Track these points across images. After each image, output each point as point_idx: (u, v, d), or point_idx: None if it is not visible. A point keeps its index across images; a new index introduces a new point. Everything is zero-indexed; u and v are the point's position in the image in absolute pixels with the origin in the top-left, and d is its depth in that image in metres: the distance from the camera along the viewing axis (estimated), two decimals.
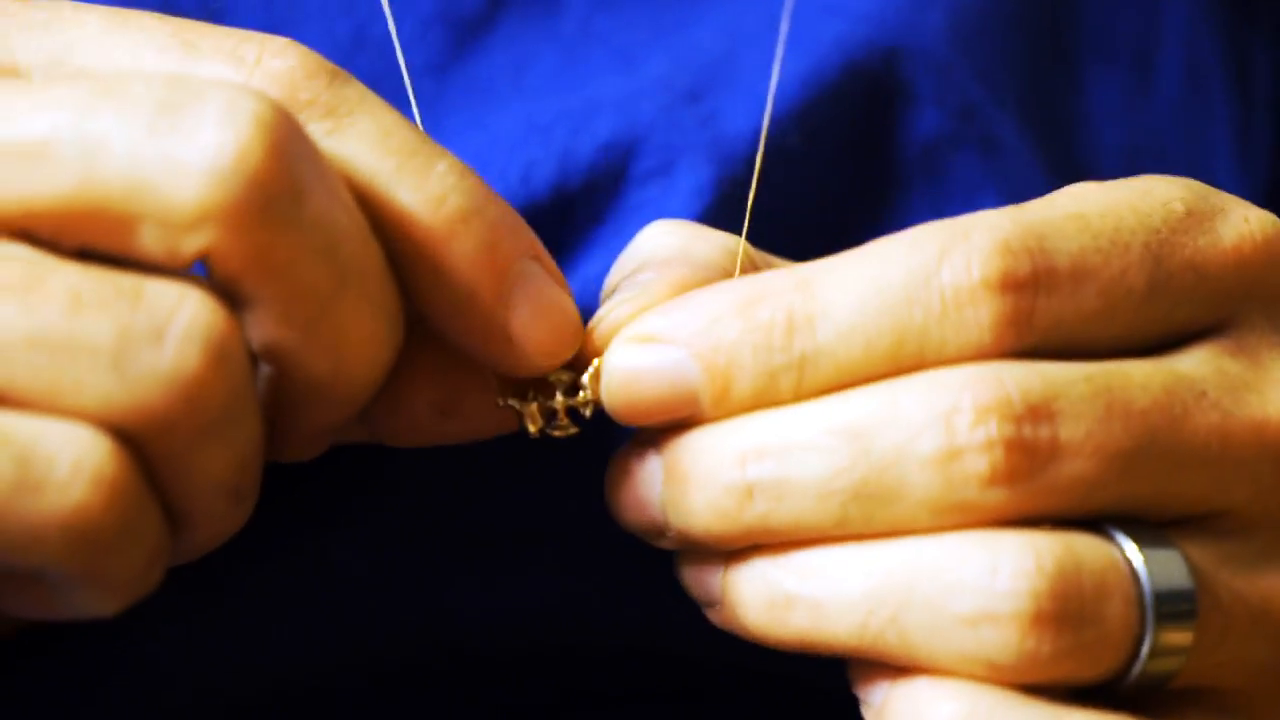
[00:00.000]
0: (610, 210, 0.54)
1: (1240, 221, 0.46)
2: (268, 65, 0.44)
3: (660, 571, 0.48)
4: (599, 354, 0.46)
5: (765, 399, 0.44)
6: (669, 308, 0.45)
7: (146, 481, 0.41)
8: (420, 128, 0.45)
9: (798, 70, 0.56)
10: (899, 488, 0.42)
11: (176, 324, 0.40)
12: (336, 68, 0.44)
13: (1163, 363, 0.45)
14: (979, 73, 0.59)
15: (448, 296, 0.44)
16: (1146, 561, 0.43)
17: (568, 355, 0.46)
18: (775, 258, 0.49)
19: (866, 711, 0.45)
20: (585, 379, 0.47)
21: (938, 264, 0.43)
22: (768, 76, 0.56)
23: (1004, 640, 0.42)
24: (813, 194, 0.56)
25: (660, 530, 0.46)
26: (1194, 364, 0.45)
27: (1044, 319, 0.43)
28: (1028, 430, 0.42)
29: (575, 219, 0.54)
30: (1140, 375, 0.44)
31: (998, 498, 0.42)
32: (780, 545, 0.44)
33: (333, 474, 0.50)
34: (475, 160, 0.54)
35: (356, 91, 0.44)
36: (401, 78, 0.56)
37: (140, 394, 0.40)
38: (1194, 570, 0.44)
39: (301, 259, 0.42)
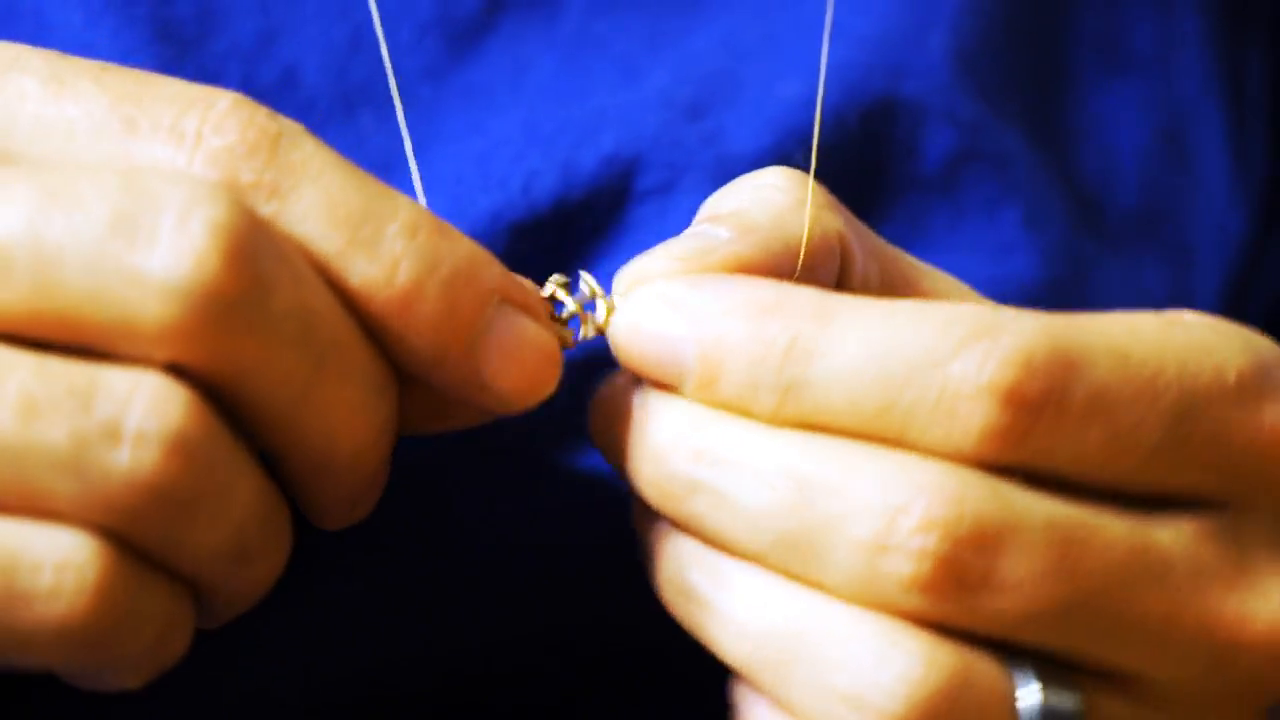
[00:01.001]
0: (611, 225, 0.54)
1: None
2: (209, 144, 0.42)
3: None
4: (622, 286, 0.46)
5: (743, 406, 0.44)
6: (699, 283, 0.44)
7: (140, 565, 0.41)
8: (373, 179, 0.44)
9: (800, 91, 0.55)
10: (825, 552, 0.42)
11: (130, 422, 0.40)
12: (280, 128, 0.43)
13: (1139, 527, 0.43)
14: (984, 89, 0.58)
15: (417, 359, 0.44)
16: (1042, 703, 0.42)
17: (549, 389, 0.45)
18: (865, 229, 0.49)
19: (731, 714, 0.45)
20: (599, 307, 0.47)
21: (954, 352, 0.42)
22: (768, 95, 0.56)
23: None
24: None
25: (617, 467, 0.46)
26: (1173, 538, 0.44)
27: (1037, 444, 0.42)
28: (966, 555, 0.42)
29: (576, 232, 0.53)
30: (1108, 535, 0.43)
31: (914, 602, 0.42)
32: (706, 540, 0.44)
33: None
34: (475, 166, 0.54)
35: (301, 156, 0.43)
36: (399, 82, 0.55)
37: (106, 494, 0.40)
38: None
39: (275, 352, 0.41)
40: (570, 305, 0.47)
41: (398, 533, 0.51)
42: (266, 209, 0.42)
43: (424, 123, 0.55)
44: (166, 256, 0.40)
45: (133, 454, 0.40)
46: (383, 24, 0.55)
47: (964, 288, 0.50)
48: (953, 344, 0.42)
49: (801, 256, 0.46)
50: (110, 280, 0.40)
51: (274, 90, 0.54)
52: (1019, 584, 0.42)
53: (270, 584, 0.44)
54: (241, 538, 0.42)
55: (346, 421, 0.43)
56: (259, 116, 0.43)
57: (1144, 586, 0.43)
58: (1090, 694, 0.43)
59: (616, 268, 0.49)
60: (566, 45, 0.56)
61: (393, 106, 0.55)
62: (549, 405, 0.48)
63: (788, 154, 0.54)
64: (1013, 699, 0.42)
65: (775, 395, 0.43)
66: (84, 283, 0.40)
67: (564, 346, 0.47)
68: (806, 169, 0.52)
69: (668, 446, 0.44)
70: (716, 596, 0.44)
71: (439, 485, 0.51)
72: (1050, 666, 0.43)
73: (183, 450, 0.40)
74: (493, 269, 0.44)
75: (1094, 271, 0.60)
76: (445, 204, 0.53)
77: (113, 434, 0.40)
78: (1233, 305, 0.65)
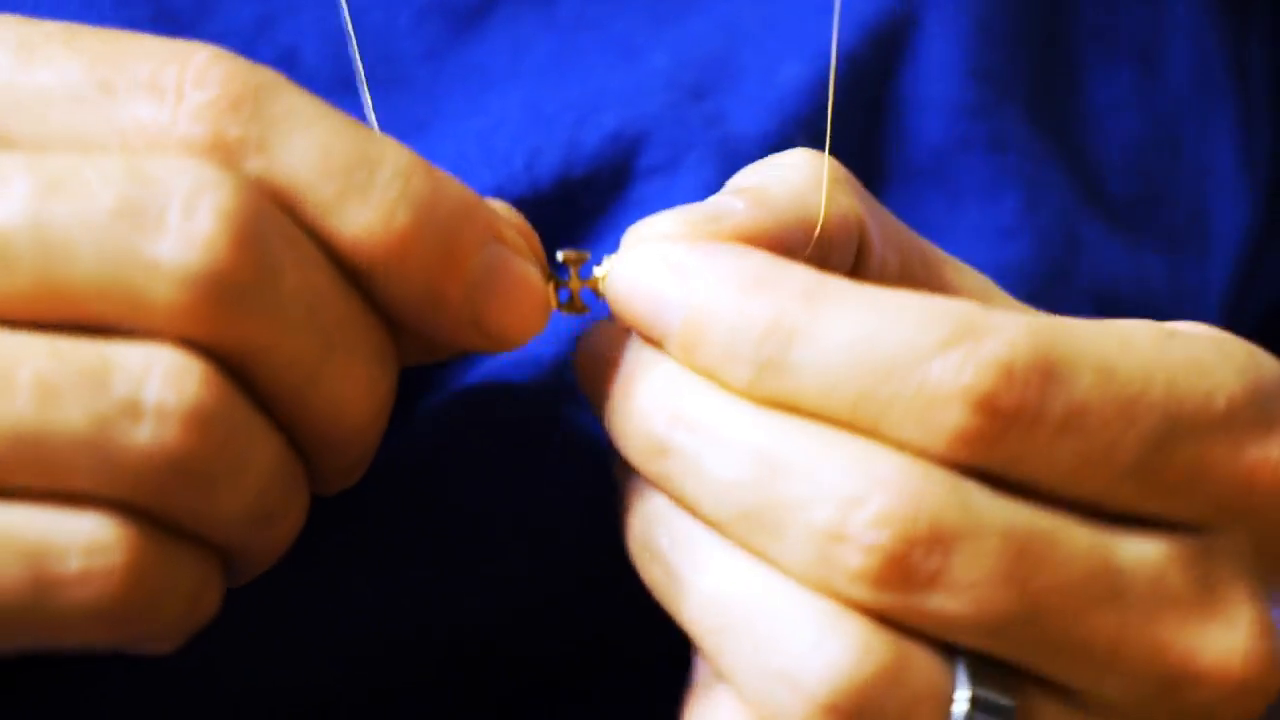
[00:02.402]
0: (614, 202, 0.54)
1: (1277, 445, 0.44)
2: (191, 99, 0.42)
3: None
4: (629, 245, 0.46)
5: (718, 376, 0.43)
6: (698, 248, 0.44)
7: (166, 539, 0.41)
8: (360, 125, 0.43)
9: (802, 74, 0.55)
10: (782, 532, 0.42)
11: (148, 397, 0.40)
12: (262, 78, 0.43)
13: (1102, 543, 0.43)
14: (985, 71, 0.58)
15: (413, 305, 0.44)
16: (975, 703, 0.42)
17: (540, 328, 0.46)
18: (884, 211, 0.49)
19: (693, 675, 0.45)
20: (599, 271, 0.47)
21: (936, 351, 0.42)
22: (769, 78, 0.56)
23: (793, 713, 0.42)
24: None
25: (597, 412, 0.46)
26: (1136, 558, 0.43)
27: (1006, 452, 0.42)
28: (917, 554, 0.41)
29: (578, 209, 0.53)
30: (1067, 549, 0.42)
31: (859, 592, 0.42)
32: (675, 501, 0.44)
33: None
34: (477, 144, 0.54)
35: (285, 106, 0.42)
36: (398, 65, 0.55)
37: (128, 470, 0.40)
38: None
39: (284, 335, 0.41)
40: (576, 280, 0.47)
41: (396, 515, 0.51)
42: (256, 163, 0.42)
43: (424, 103, 0.55)
44: (175, 243, 0.40)
45: (153, 428, 0.40)
46: (382, 8, 0.55)
47: (984, 279, 0.50)
48: (935, 342, 0.42)
49: (816, 234, 0.46)
50: (118, 268, 0.40)
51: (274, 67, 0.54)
52: (966, 588, 0.41)
53: (293, 538, 0.44)
54: (264, 500, 0.42)
55: (354, 397, 0.43)
56: (239, 68, 0.42)
57: (1096, 605, 0.42)
58: (1028, 697, 0.43)
59: (618, 244, 0.48)
60: (566, 27, 0.56)
61: (393, 90, 0.55)
62: (544, 385, 0.48)
63: (790, 137, 0.54)
64: (948, 696, 0.42)
65: (751, 370, 0.43)
66: (92, 271, 0.40)
67: (575, 312, 0.47)
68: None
69: (648, 406, 0.44)
70: (678, 559, 0.44)
71: (435, 466, 0.51)
72: (989, 666, 0.42)
73: (202, 421, 0.40)
74: (485, 210, 0.44)
75: (1094, 256, 0.59)
76: None
77: (132, 410, 0.40)
78: (1239, 294, 0.65)
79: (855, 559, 0.41)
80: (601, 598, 0.52)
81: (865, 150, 0.57)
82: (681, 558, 0.44)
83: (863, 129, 0.57)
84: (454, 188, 0.44)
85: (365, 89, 0.51)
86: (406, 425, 0.51)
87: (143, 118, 0.42)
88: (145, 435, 0.40)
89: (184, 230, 0.40)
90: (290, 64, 0.54)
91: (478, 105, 0.55)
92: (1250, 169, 0.65)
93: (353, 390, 0.43)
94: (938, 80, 0.58)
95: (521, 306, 0.45)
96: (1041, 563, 0.42)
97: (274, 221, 0.41)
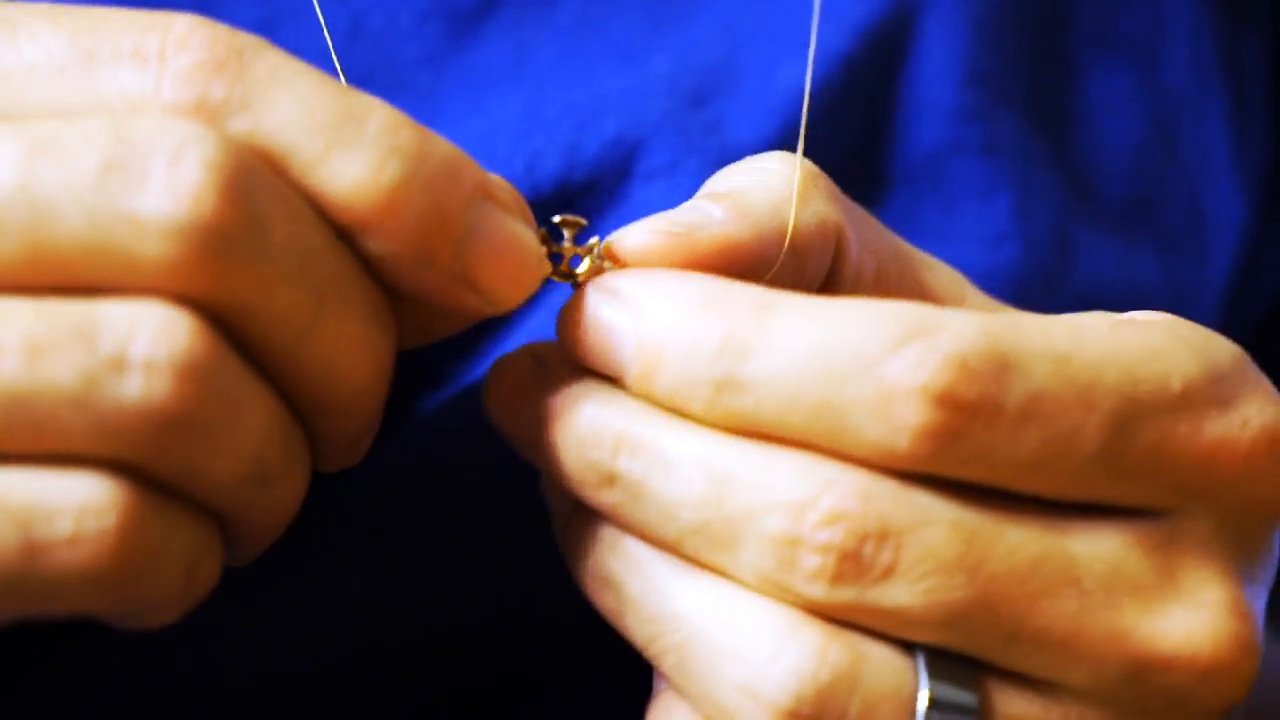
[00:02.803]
0: (613, 206, 0.54)
1: (1236, 423, 0.44)
2: (174, 63, 0.42)
3: None
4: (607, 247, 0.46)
5: (676, 404, 0.43)
6: (645, 277, 0.44)
7: (161, 501, 0.41)
8: (343, 84, 0.43)
9: (801, 79, 0.55)
10: (735, 545, 0.42)
11: (137, 350, 0.40)
12: (244, 41, 0.42)
13: (1054, 534, 0.43)
14: (980, 76, 0.58)
15: (404, 260, 0.43)
16: (935, 698, 0.42)
17: (534, 285, 0.45)
18: (865, 214, 0.49)
19: (655, 684, 0.46)
20: (582, 269, 0.46)
21: (890, 352, 0.42)
22: (768, 82, 0.56)
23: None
24: None
25: (525, 447, 0.45)
26: (1090, 547, 0.43)
27: (970, 447, 0.42)
28: (868, 549, 0.42)
29: (578, 212, 0.53)
30: (1016, 539, 0.42)
31: (818, 593, 0.42)
32: (621, 527, 0.44)
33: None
34: (478, 146, 0.54)
35: (269, 66, 0.42)
36: (398, 68, 0.55)
37: (120, 426, 0.40)
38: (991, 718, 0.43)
39: (276, 288, 0.41)
40: (567, 240, 0.47)
41: (395, 515, 0.51)
42: (243, 122, 0.42)
43: (424, 106, 0.55)
44: (163, 195, 0.40)
45: (143, 381, 0.40)
46: (383, 11, 0.55)
47: (964, 281, 0.50)
48: (889, 344, 0.42)
49: (787, 243, 0.46)
50: (107, 224, 0.40)
51: None
52: (918, 579, 0.42)
53: (294, 508, 0.44)
54: (261, 459, 0.42)
55: (350, 355, 0.43)
56: (220, 31, 0.42)
57: (1050, 593, 0.42)
58: (991, 690, 0.43)
59: None
60: (566, 30, 0.57)
61: (394, 93, 0.55)
62: None
63: (788, 144, 0.54)
64: (910, 694, 0.42)
65: (710, 390, 0.43)
66: (80, 230, 0.40)
67: (568, 280, 0.47)
68: (807, 160, 0.53)
69: (590, 436, 0.44)
70: (630, 583, 0.44)
71: (433, 466, 0.51)
72: (949, 661, 0.43)
73: (192, 373, 0.40)
74: (474, 168, 0.44)
75: (1087, 259, 0.59)
76: None
77: (121, 364, 0.40)
78: (1236, 294, 0.65)
79: (810, 560, 0.42)
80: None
81: (862, 153, 0.57)
82: (634, 581, 0.44)
83: (859, 132, 0.57)
84: (442, 144, 0.43)
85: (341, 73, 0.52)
86: (404, 425, 0.51)
87: (127, 85, 0.42)
88: (134, 389, 0.40)
89: (170, 183, 0.40)
90: None
91: (478, 108, 0.55)
92: (1244, 165, 0.65)
93: (348, 348, 0.43)
94: (935, 84, 0.58)
95: (514, 262, 0.44)
96: (990, 552, 0.42)
97: (261, 175, 0.41)
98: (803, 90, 0.55)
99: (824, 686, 0.42)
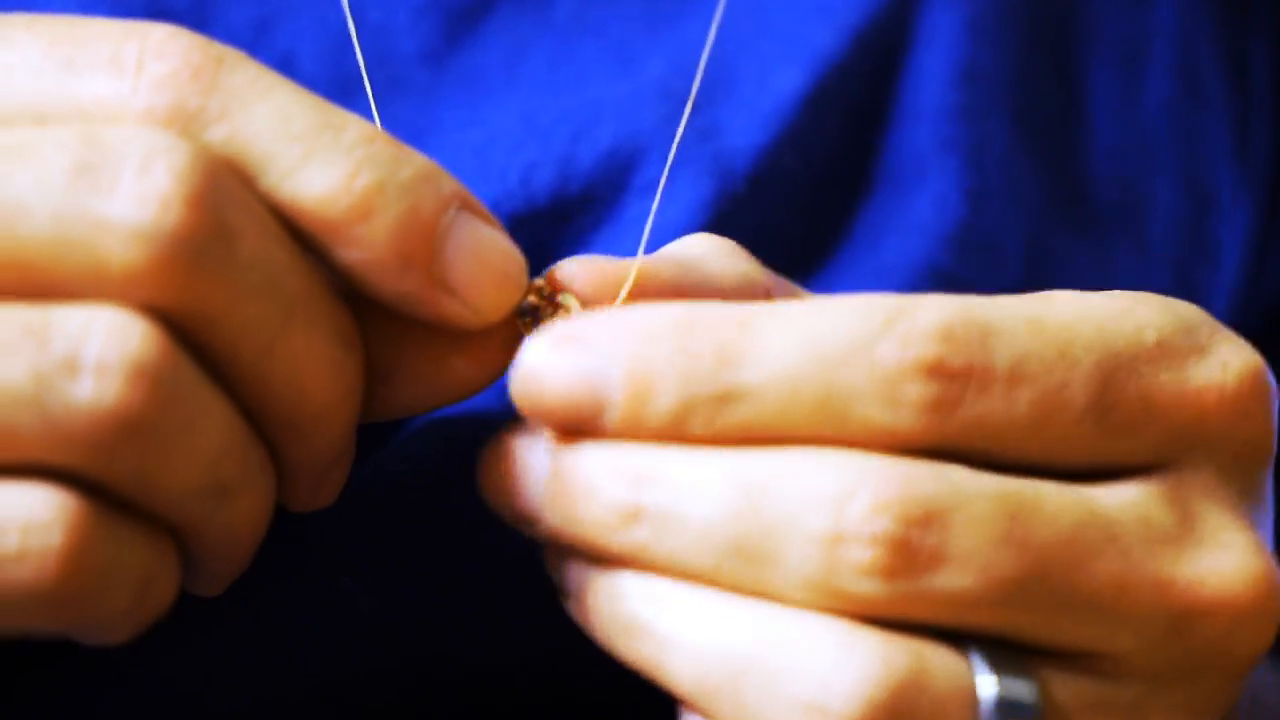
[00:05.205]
0: (608, 219, 0.54)
1: (1216, 367, 0.44)
2: (151, 71, 0.42)
3: None
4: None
5: (677, 429, 0.43)
6: (603, 315, 0.44)
7: (112, 516, 0.40)
8: (319, 98, 0.43)
9: (797, 84, 0.55)
10: (778, 554, 0.42)
11: (89, 352, 0.39)
12: (222, 51, 0.42)
13: (1082, 495, 0.43)
14: (972, 80, 0.58)
15: (381, 270, 0.43)
16: (999, 692, 0.42)
17: (516, 296, 0.45)
18: (790, 284, 0.49)
19: None
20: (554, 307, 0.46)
21: (878, 336, 0.42)
22: (764, 87, 0.56)
23: None
24: (807, 212, 0.55)
25: (531, 521, 0.45)
26: (1116, 503, 0.43)
27: (970, 414, 0.42)
28: (916, 534, 0.41)
29: (572, 225, 0.53)
30: (1053, 505, 0.42)
31: (871, 590, 0.41)
32: (648, 570, 0.43)
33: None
34: (474, 158, 0.53)
35: (246, 77, 0.42)
36: (395, 66, 0.55)
37: (71, 430, 0.39)
38: (1048, 705, 0.43)
39: (241, 301, 0.41)
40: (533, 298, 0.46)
41: (389, 531, 0.51)
42: (217, 131, 0.42)
43: (421, 111, 0.55)
44: (130, 202, 0.40)
45: (95, 384, 0.39)
46: (380, 7, 0.55)
47: None
48: (874, 328, 0.42)
49: (628, 287, 0.46)
50: (74, 229, 0.40)
51: None
52: (970, 557, 0.41)
53: (256, 531, 0.43)
54: (217, 471, 0.41)
55: (314, 372, 0.42)
56: (198, 41, 0.42)
57: (1095, 553, 0.42)
58: (1047, 676, 0.43)
59: None
60: (563, 30, 0.56)
61: (390, 91, 0.55)
62: None
63: (781, 152, 0.54)
64: (972, 688, 0.42)
65: (712, 407, 0.42)
66: (47, 233, 0.40)
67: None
68: (799, 171, 0.52)
69: (603, 479, 0.43)
70: (662, 624, 0.43)
71: (427, 482, 0.51)
72: (1004, 652, 0.42)
73: (145, 378, 0.39)
74: (449, 177, 0.44)
75: (1064, 266, 0.59)
76: None
77: (72, 366, 0.39)
78: (1245, 299, 0.65)
79: (860, 554, 0.41)
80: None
81: (852, 156, 0.57)
82: (667, 622, 0.43)
83: (852, 136, 0.57)
84: (417, 155, 0.43)
85: (371, 96, 0.52)
86: (394, 441, 0.51)
87: (103, 92, 0.42)
88: (86, 392, 0.39)
89: (138, 189, 0.40)
90: (288, 68, 0.54)
91: (475, 115, 0.55)
92: (1248, 167, 0.65)
93: (313, 367, 0.42)
94: (927, 84, 0.57)
95: (492, 270, 0.44)
96: (1034, 520, 0.42)
97: (231, 186, 0.41)
98: (800, 95, 0.55)
99: (894, 690, 0.41)
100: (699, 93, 0.55)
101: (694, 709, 0.43)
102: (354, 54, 0.55)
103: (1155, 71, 0.62)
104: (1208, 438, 0.44)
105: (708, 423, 0.42)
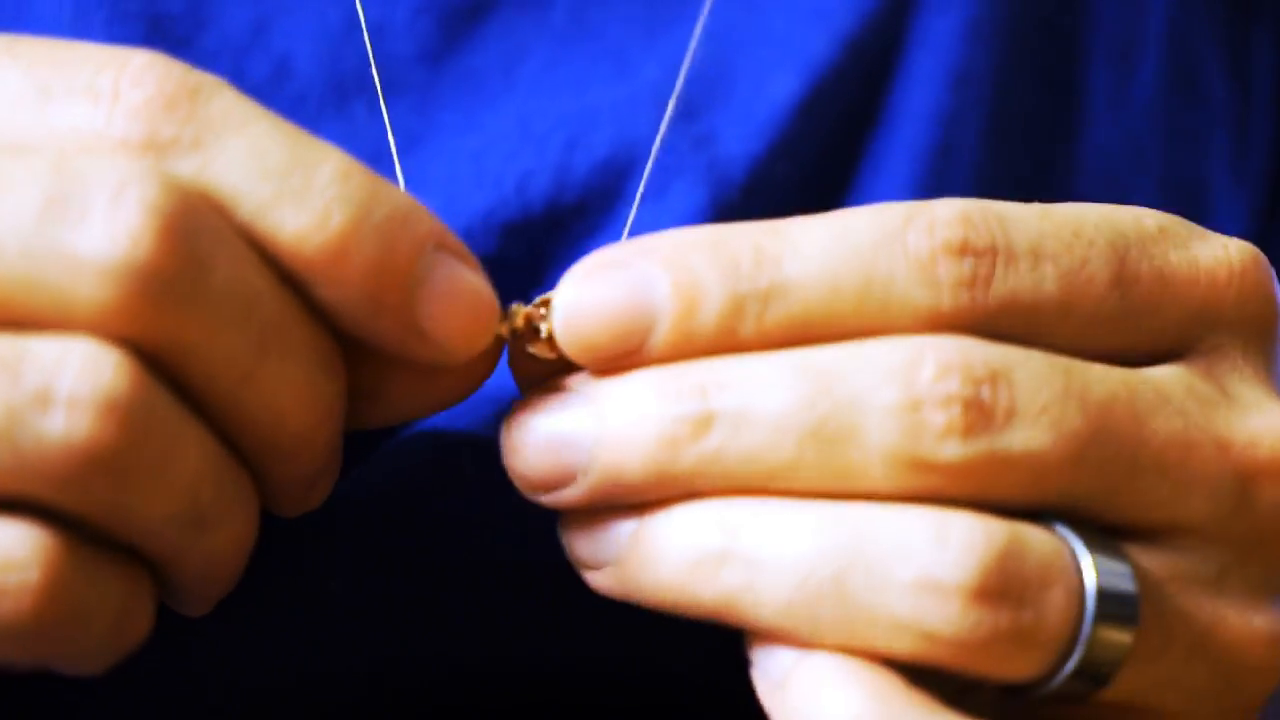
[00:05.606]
0: (603, 227, 0.54)
1: (1218, 247, 0.46)
2: (127, 99, 0.41)
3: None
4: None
5: (727, 333, 0.43)
6: (631, 241, 0.44)
7: (88, 552, 0.40)
8: (298, 129, 0.43)
9: (792, 90, 0.55)
10: (857, 432, 0.42)
11: (61, 386, 0.39)
12: (200, 81, 0.42)
13: (1127, 371, 0.44)
14: (966, 83, 0.58)
15: (353, 310, 0.43)
16: (1092, 559, 0.43)
17: (487, 338, 0.44)
18: None
19: (759, 679, 0.44)
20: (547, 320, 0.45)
21: (903, 227, 0.43)
22: (759, 93, 0.56)
23: (945, 611, 0.41)
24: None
25: (570, 476, 0.44)
26: (1162, 376, 0.45)
27: (1003, 289, 0.43)
28: (986, 391, 0.42)
29: (568, 233, 0.53)
30: (1100, 371, 0.44)
31: (954, 454, 0.42)
32: (717, 493, 0.43)
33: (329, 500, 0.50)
34: (470, 165, 0.53)
35: (222, 107, 0.42)
36: (392, 67, 0.55)
37: (43, 465, 0.39)
38: (1140, 577, 0.43)
39: (216, 332, 0.41)
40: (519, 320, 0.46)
41: (382, 538, 0.51)
42: (190, 163, 0.41)
43: (418, 115, 0.55)
44: (101, 236, 0.39)
45: (67, 418, 0.39)
46: (377, 6, 0.55)
47: None
48: (899, 221, 0.43)
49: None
50: (44, 262, 0.39)
51: (268, 79, 0.54)
52: (1042, 412, 0.42)
53: (238, 556, 0.43)
54: (194, 502, 0.41)
55: (292, 400, 0.42)
56: (175, 70, 0.42)
57: (1152, 413, 0.44)
58: (1134, 553, 0.44)
59: None
60: (559, 33, 0.56)
61: (387, 92, 0.55)
62: None
63: (776, 160, 0.54)
64: (1068, 556, 0.43)
65: (759, 304, 0.43)
66: (17, 265, 0.40)
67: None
68: (793, 180, 0.53)
69: (671, 395, 0.43)
70: (743, 544, 0.42)
71: (421, 489, 0.51)
72: (1085, 527, 0.43)
73: (118, 411, 0.39)
74: (427, 215, 0.43)
75: None
76: (438, 202, 0.52)
77: (44, 400, 0.39)
78: None
79: (938, 417, 0.42)
80: (601, 632, 0.52)
81: (841, 160, 0.57)
82: (753, 540, 0.42)
83: (842, 139, 0.57)
84: (395, 193, 0.43)
85: (382, 99, 0.52)
86: (386, 449, 0.51)
87: (79, 121, 0.42)
88: (58, 425, 0.39)
89: (108, 222, 0.40)
90: (284, 71, 0.54)
91: (472, 118, 0.54)
92: (1245, 164, 0.65)
93: (291, 394, 0.42)
94: (918, 93, 0.57)
95: (466, 312, 0.43)
96: (1087, 378, 0.43)
97: (204, 216, 0.41)
98: (795, 101, 0.55)
99: (1000, 554, 0.41)
100: (695, 99, 0.55)
101: (786, 634, 0.43)
102: (351, 55, 0.55)
103: (1143, 72, 0.63)
104: (1225, 315, 0.46)
105: (759, 322, 0.43)
